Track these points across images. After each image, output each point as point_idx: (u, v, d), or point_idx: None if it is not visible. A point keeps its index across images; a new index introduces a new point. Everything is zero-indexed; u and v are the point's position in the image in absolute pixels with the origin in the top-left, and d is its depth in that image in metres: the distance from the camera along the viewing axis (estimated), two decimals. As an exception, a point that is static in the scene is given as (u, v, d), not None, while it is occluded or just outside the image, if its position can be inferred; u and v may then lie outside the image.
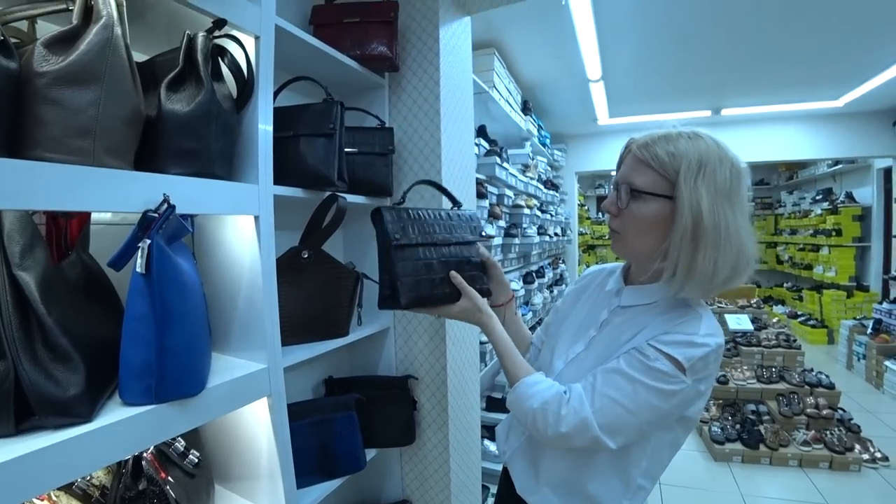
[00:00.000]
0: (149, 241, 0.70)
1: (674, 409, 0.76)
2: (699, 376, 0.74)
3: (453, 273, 0.94)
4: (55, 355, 0.65)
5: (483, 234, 1.08)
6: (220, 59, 0.89)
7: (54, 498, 0.75)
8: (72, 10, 0.68)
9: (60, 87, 0.63)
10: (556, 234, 4.07)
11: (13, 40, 0.71)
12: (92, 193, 0.66)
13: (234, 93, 0.92)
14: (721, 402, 3.52)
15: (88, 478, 0.83)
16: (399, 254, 0.91)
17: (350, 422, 1.23)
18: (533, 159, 3.58)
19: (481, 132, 2.72)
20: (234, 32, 0.90)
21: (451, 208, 1.09)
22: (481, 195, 2.19)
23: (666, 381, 0.72)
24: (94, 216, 0.89)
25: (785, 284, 7.47)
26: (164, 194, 0.73)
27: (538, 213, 3.39)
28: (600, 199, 9.33)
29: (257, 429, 1.01)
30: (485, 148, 2.49)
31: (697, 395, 0.77)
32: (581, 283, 1.04)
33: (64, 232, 0.81)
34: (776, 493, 2.65)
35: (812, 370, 3.64)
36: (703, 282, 0.74)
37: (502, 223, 2.64)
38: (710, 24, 2.84)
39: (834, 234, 5.90)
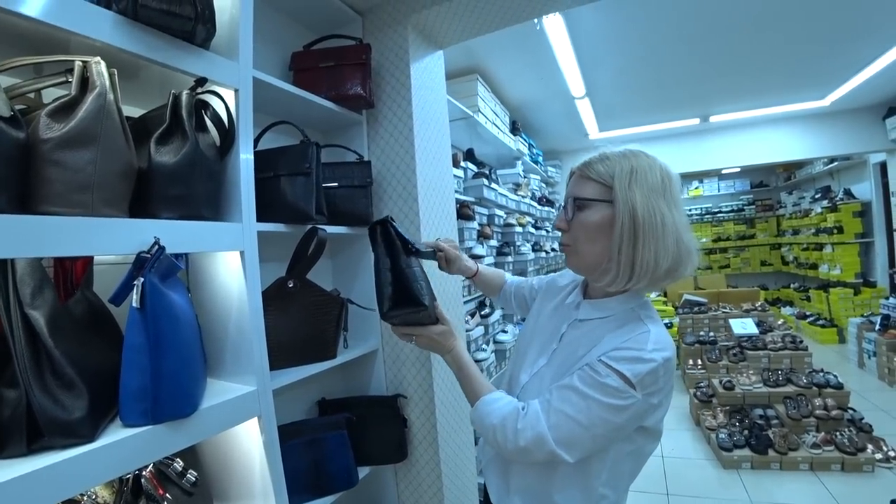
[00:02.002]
0: (142, 279, 0.79)
1: (627, 423, 0.80)
2: (649, 391, 0.77)
3: (436, 304, 0.98)
4: (62, 383, 0.73)
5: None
6: (203, 112, 0.99)
7: (63, 515, 0.83)
8: (71, 82, 0.78)
9: (62, 150, 0.74)
10: (553, 250, 4.13)
11: (20, 106, 0.83)
12: (92, 240, 0.76)
13: (218, 141, 1.02)
14: (728, 408, 3.50)
15: (94, 496, 0.91)
16: (409, 260, 0.94)
17: (341, 440, 1.30)
18: (525, 178, 3.67)
19: (469, 155, 2.83)
20: (215, 87, 1.01)
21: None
22: (469, 217, 2.27)
23: (617, 396, 0.76)
24: (101, 258, 0.98)
25: (792, 285, 7.40)
26: (155, 237, 0.82)
27: (532, 230, 3.46)
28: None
29: (251, 449, 1.08)
30: (472, 171, 2.59)
31: (651, 408, 0.80)
32: (553, 287, 1.09)
33: (70, 273, 0.91)
34: (787, 499, 2.62)
35: (820, 371, 3.60)
36: (647, 273, 0.80)
37: (494, 242, 2.72)
38: (683, 41, 2.95)
39: (836, 231, 5.87)
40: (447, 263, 1.18)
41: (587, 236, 0.86)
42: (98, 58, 0.80)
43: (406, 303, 0.91)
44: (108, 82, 0.79)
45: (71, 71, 0.79)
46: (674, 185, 0.85)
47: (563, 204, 0.93)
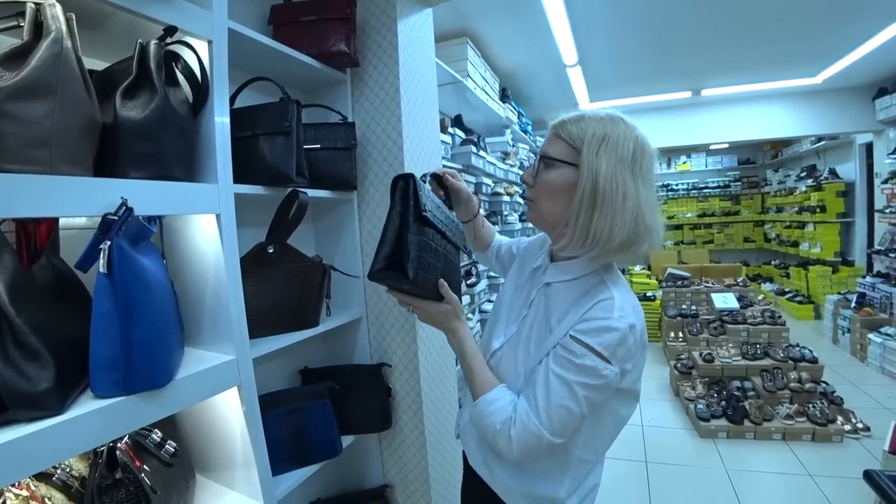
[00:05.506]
0: (109, 243, 0.74)
1: (610, 394, 0.80)
2: (623, 359, 0.78)
3: (441, 281, 0.89)
4: (25, 353, 0.69)
5: (466, 247, 1.05)
6: (173, 65, 0.92)
7: (33, 488, 0.80)
8: (23, 27, 0.71)
9: (14, 102, 0.67)
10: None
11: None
12: (51, 200, 0.70)
13: (191, 97, 0.95)
14: (707, 379, 3.59)
15: (69, 469, 0.88)
16: (418, 227, 0.85)
17: (323, 409, 1.28)
18: (513, 146, 3.61)
19: (457, 121, 2.76)
20: (187, 38, 0.94)
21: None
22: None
23: (596, 375, 0.76)
24: (68, 221, 0.92)
25: (773, 262, 7.53)
26: (122, 198, 0.77)
27: (520, 199, 3.42)
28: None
29: (231, 418, 1.06)
30: (460, 137, 2.52)
31: (625, 373, 0.80)
32: (531, 248, 1.08)
33: (33, 238, 0.85)
34: (760, 467, 2.72)
35: (796, 345, 3.70)
36: (599, 243, 0.79)
37: (481, 211, 2.68)
38: (682, 8, 2.87)
39: (818, 210, 5.95)
40: (448, 191, 1.09)
41: (549, 195, 0.86)
42: (53, 0, 0.72)
43: (396, 268, 0.83)
44: (64, 27, 0.72)
45: (23, 14, 0.72)
46: (646, 159, 0.82)
47: (536, 156, 0.91)
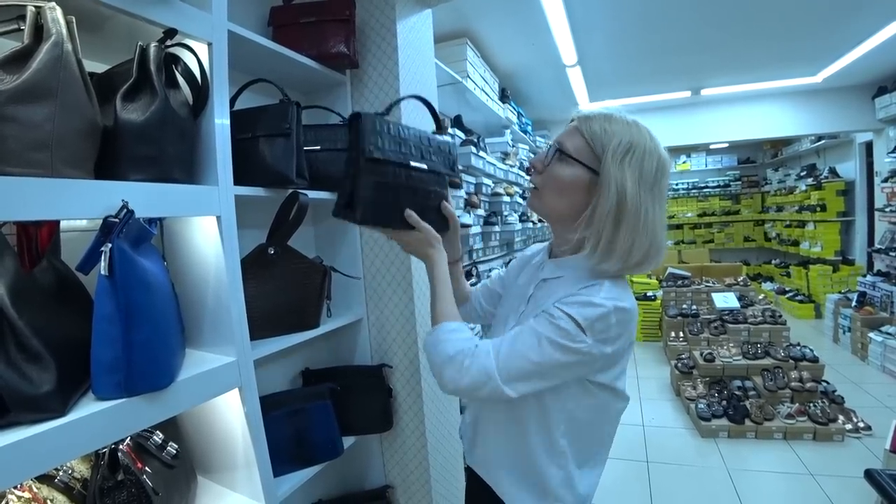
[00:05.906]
0: (110, 245, 0.75)
1: (578, 368, 0.78)
2: (601, 337, 0.76)
3: (408, 212, 0.89)
4: (27, 356, 0.69)
5: (455, 168, 1.03)
6: (174, 67, 0.92)
7: (35, 490, 0.80)
8: (23, 30, 0.71)
9: (15, 105, 0.67)
10: (540, 220, 4.11)
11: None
12: (53, 203, 0.70)
13: (191, 99, 0.96)
14: (708, 379, 3.59)
15: (70, 471, 0.88)
16: (369, 167, 0.84)
17: (325, 410, 1.29)
18: (513, 147, 3.61)
19: (457, 122, 2.76)
20: (187, 40, 0.94)
21: (433, 132, 1.02)
22: (456, 185, 2.23)
23: (568, 338, 0.75)
24: (70, 224, 0.93)
25: (773, 261, 7.54)
26: (123, 200, 0.77)
27: (520, 200, 3.43)
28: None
29: (232, 420, 1.06)
30: (460, 138, 2.52)
31: (605, 358, 0.78)
32: (523, 259, 1.08)
33: (34, 241, 0.86)
34: (761, 466, 2.72)
35: (797, 345, 3.70)
36: (620, 258, 0.79)
37: (481, 212, 2.69)
38: (681, 7, 2.87)
39: (819, 209, 5.96)
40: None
41: (555, 188, 0.85)
42: (53, 3, 0.73)
43: (352, 207, 0.85)
44: (65, 31, 0.72)
45: (23, 18, 0.72)
46: (665, 180, 0.83)
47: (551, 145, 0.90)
